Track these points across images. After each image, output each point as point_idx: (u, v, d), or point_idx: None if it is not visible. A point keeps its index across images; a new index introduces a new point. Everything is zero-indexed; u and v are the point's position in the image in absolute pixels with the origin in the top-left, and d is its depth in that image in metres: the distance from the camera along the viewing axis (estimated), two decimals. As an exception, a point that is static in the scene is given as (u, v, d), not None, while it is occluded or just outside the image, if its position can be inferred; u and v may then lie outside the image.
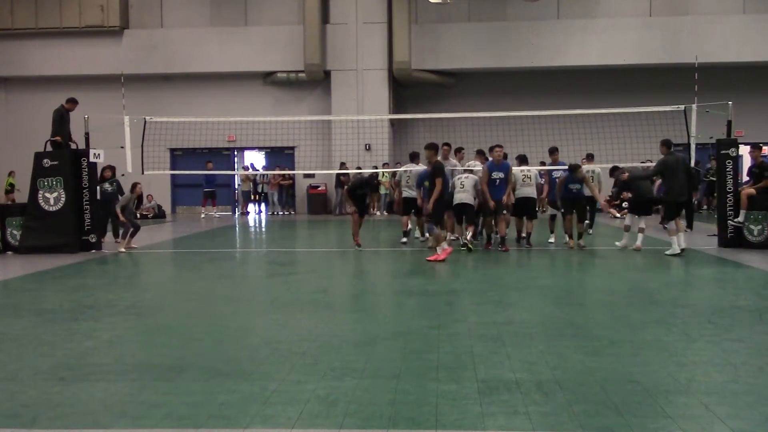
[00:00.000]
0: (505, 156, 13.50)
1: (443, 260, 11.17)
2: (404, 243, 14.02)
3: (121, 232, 14.19)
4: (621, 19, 24.44)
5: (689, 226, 15.55)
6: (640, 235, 12.62)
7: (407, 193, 14.03)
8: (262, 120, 21.84)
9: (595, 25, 24.39)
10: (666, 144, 12.46)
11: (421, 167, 13.39)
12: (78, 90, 22.32)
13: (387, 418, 4.26)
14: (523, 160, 14.58)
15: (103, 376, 5.23)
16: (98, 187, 14.19)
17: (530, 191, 13.73)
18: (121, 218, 13.81)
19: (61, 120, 14.05)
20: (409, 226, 14.40)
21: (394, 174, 23.97)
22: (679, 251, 11.79)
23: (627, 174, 13.33)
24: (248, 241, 17.74)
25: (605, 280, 10.01)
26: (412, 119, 24.60)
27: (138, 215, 15.80)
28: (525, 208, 13.51)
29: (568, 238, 13.47)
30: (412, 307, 7.89)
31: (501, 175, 12.72)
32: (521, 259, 12.20)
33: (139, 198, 15.10)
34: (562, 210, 13.63)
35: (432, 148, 11.91)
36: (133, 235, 14.13)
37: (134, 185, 14.32)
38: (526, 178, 13.94)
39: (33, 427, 4.25)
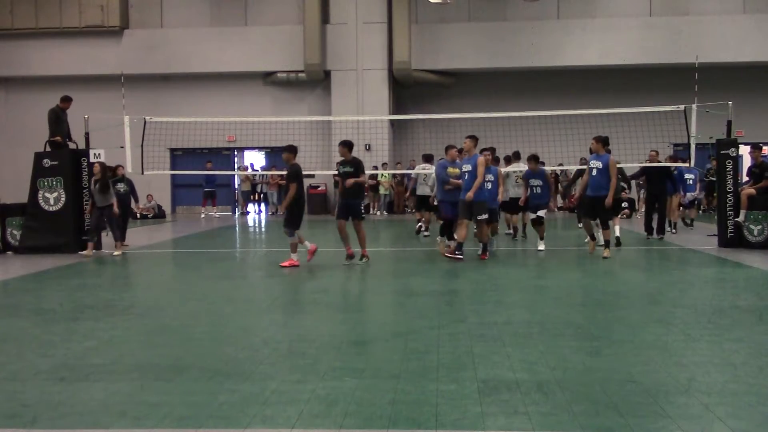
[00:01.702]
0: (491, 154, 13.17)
1: (297, 266, 10.94)
2: (426, 236, 14.82)
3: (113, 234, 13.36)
4: (621, 19, 24.43)
5: (661, 231, 14.75)
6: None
7: (421, 190, 14.86)
8: (262, 120, 21.84)
9: (595, 25, 24.38)
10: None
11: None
12: (78, 90, 22.31)
13: (387, 418, 4.26)
14: (516, 157, 14.64)
15: (103, 376, 5.23)
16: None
17: (521, 192, 13.85)
18: (88, 211, 13.09)
19: (57, 120, 14.03)
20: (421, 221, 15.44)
21: (395, 175, 24.15)
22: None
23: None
24: (248, 241, 17.75)
25: (605, 280, 10.01)
26: (412, 119, 24.60)
27: (113, 203, 13.07)
28: (516, 207, 13.80)
29: (589, 239, 12.33)
30: (412, 307, 7.89)
31: (468, 167, 11.47)
32: (521, 260, 12.19)
33: (106, 181, 12.90)
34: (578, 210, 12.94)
35: (291, 150, 11.28)
36: (105, 238, 12.97)
37: (92, 164, 13.29)
38: (519, 179, 13.96)
39: (33, 427, 4.25)
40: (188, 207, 26.49)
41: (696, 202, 17.62)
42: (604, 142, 11.86)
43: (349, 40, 24.82)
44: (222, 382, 5.01)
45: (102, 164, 13.12)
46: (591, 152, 12.06)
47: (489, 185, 11.89)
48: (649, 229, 14.74)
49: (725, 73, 23.57)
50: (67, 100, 14.21)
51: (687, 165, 15.20)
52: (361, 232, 11.21)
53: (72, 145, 14.42)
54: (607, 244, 11.80)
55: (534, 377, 5.03)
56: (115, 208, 13.02)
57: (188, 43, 25.14)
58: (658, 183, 14.64)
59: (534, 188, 12.82)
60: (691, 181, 16.65)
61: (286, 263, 11.04)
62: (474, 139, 11.78)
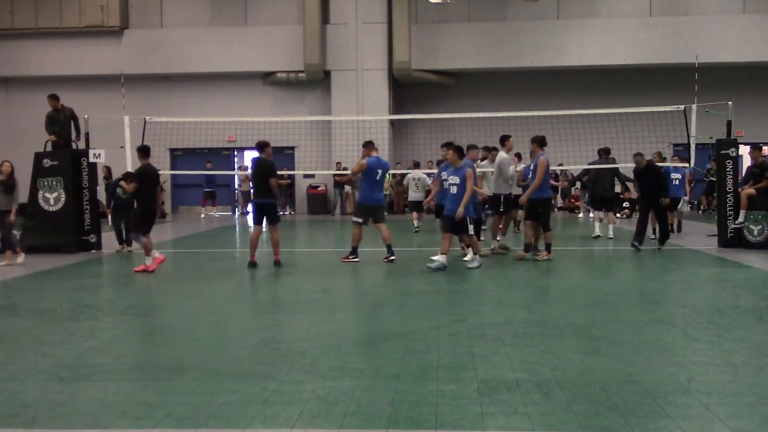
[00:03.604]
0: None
1: (152, 271, 10.58)
2: (416, 232, 16.37)
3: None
4: (621, 19, 24.42)
5: (663, 238, 13.20)
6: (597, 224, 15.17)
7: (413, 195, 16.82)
8: (262, 120, 21.84)
9: (595, 25, 24.37)
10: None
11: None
12: (78, 90, 22.41)
13: (387, 418, 4.26)
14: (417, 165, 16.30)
15: (103, 376, 5.23)
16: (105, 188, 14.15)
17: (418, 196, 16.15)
18: (12, 219, 11.86)
19: (50, 122, 14.01)
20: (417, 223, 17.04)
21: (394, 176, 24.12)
22: (598, 234, 14.80)
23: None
24: (248, 241, 17.71)
25: (605, 280, 10.01)
26: (412, 119, 24.60)
27: (12, 209, 11.83)
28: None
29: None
30: (412, 307, 7.89)
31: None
32: (521, 260, 12.17)
33: (12, 182, 11.88)
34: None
35: (139, 150, 11.10)
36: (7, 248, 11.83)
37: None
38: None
39: (33, 427, 4.25)
40: (188, 207, 26.50)
41: (682, 203, 15.72)
42: (539, 142, 11.56)
43: (349, 40, 24.81)
44: (222, 382, 5.01)
45: (8, 164, 12.08)
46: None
47: (454, 189, 10.73)
48: (640, 239, 12.83)
49: (725, 73, 23.56)
50: (52, 98, 14.01)
51: (685, 164, 15.17)
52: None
53: (72, 146, 14.42)
54: (547, 248, 11.45)
55: (534, 377, 5.03)
56: (12, 216, 11.78)
57: (188, 43, 25.13)
58: (651, 186, 12.99)
59: (451, 187, 10.81)
60: (677, 182, 15.18)
61: (139, 268, 10.71)
62: (366, 145, 11.73)
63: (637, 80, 24.63)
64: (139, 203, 11.02)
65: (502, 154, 12.34)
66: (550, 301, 8.23)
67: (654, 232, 14.09)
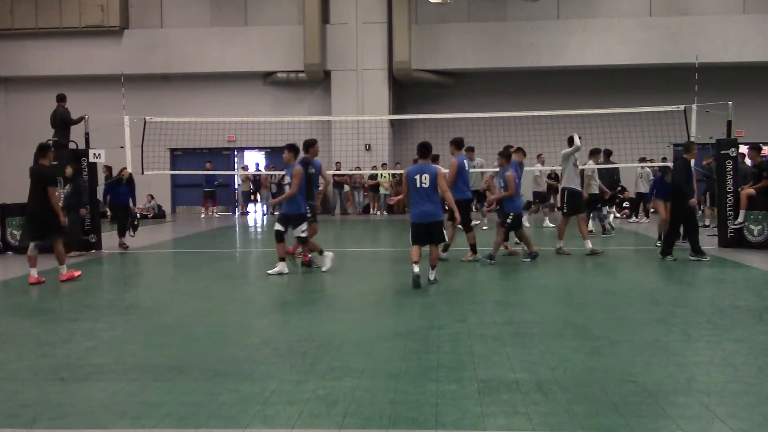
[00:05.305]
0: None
1: (74, 278, 10.03)
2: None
3: None
4: (621, 19, 24.42)
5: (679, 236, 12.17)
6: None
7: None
8: (262, 120, 21.84)
9: (595, 25, 24.37)
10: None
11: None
12: (78, 90, 22.38)
13: (387, 418, 4.26)
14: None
15: (103, 376, 5.23)
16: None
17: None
18: None
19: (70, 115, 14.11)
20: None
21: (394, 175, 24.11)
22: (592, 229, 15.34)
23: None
24: (248, 241, 17.74)
25: (605, 280, 10.01)
26: (412, 119, 24.60)
27: None
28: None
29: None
30: (412, 307, 7.89)
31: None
32: (521, 260, 12.18)
33: None
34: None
35: (40, 149, 10.19)
36: None
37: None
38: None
39: (33, 427, 4.25)
40: (188, 207, 26.50)
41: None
42: (456, 144, 11.38)
43: (349, 40, 24.81)
44: (222, 382, 5.02)
45: None
46: None
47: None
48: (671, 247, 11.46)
49: (725, 73, 23.54)
50: (65, 99, 14.22)
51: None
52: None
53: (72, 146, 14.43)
54: (448, 248, 11.37)
55: (534, 377, 5.03)
56: None
57: (188, 43, 25.13)
58: (688, 185, 11.43)
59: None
60: None
61: (65, 276, 10.02)
62: (292, 149, 10.63)
63: (637, 80, 24.62)
64: (27, 206, 10.18)
65: (566, 151, 12.34)
66: (550, 301, 8.23)
67: (681, 238, 13.61)
